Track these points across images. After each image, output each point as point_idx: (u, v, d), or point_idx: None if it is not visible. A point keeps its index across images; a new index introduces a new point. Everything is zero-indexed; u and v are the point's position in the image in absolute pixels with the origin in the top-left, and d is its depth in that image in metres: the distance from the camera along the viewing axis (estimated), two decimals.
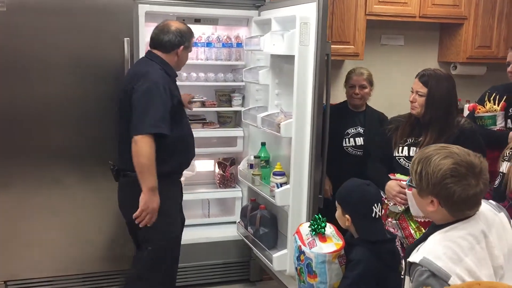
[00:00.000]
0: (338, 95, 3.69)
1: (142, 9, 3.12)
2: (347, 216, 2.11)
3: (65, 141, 3.06)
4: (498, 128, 2.91)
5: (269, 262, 2.98)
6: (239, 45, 3.55)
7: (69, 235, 3.15)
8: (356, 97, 3.25)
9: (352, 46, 3.65)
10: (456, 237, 1.54)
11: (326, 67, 2.68)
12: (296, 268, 2.25)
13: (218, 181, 3.76)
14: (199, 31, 3.57)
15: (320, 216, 2.20)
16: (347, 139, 3.25)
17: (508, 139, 2.75)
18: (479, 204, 1.60)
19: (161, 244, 2.64)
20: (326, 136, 2.72)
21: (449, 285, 1.44)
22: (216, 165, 3.79)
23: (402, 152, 2.59)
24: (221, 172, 3.73)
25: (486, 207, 1.65)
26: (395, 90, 4.06)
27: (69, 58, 2.99)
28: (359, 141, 3.24)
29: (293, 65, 2.81)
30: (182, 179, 3.50)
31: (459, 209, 1.57)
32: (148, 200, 2.47)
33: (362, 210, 2.09)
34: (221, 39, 3.53)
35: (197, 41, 3.50)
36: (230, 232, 3.56)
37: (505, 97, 2.92)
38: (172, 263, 2.78)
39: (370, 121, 3.27)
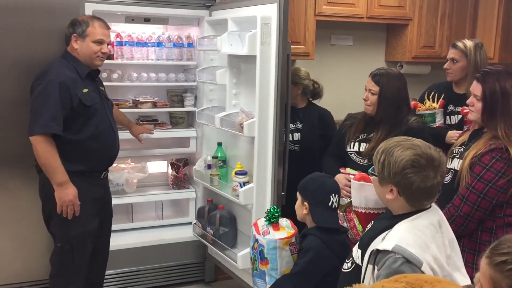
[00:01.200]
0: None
1: (89, 8, 3.04)
2: (305, 203, 2.18)
3: (9, 143, 2.94)
4: (437, 125, 3.05)
5: (232, 261, 3.00)
6: (190, 45, 3.53)
7: (15, 242, 3.04)
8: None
9: (303, 46, 3.71)
10: (421, 226, 1.62)
11: (287, 66, 2.71)
12: (251, 258, 2.31)
13: (171, 182, 3.72)
14: (149, 31, 3.52)
15: (275, 207, 2.28)
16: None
17: (445, 138, 2.89)
18: (435, 195, 1.70)
19: (66, 241, 2.67)
20: (287, 135, 2.77)
21: (422, 271, 1.50)
22: (169, 166, 3.75)
23: (353, 148, 2.68)
24: (174, 173, 3.69)
25: (433, 204, 1.74)
26: (345, 89, 4.16)
27: (13, 60, 2.89)
28: (297, 136, 3.30)
29: (251, 64, 2.83)
30: (134, 180, 3.47)
31: (417, 198, 1.66)
32: (61, 195, 2.55)
33: (320, 197, 2.16)
34: (172, 39, 3.50)
35: (147, 40, 3.45)
36: (185, 233, 3.53)
37: (443, 95, 3.05)
38: (80, 261, 2.74)
39: (308, 117, 3.33)
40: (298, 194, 2.24)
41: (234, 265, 2.99)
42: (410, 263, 1.51)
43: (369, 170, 1.84)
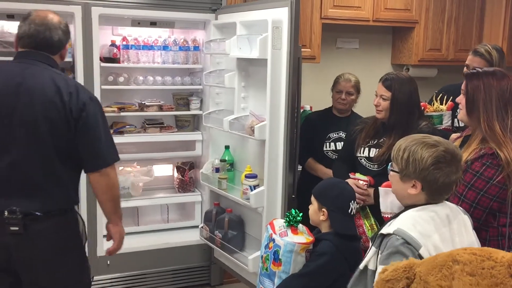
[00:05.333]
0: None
1: (96, 11, 3.05)
2: (323, 210, 2.17)
3: None
4: (443, 127, 3.01)
5: (242, 264, 3.00)
6: (196, 48, 3.53)
7: None
8: (342, 103, 3.24)
9: (309, 49, 3.70)
10: (426, 216, 1.69)
11: (298, 70, 2.71)
12: (261, 257, 2.29)
13: (177, 186, 3.72)
14: (155, 34, 3.52)
15: (297, 211, 2.25)
16: (327, 143, 3.26)
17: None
18: (452, 190, 1.78)
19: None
20: (297, 138, 2.78)
21: (419, 254, 1.58)
22: (175, 169, 3.75)
23: (363, 153, 2.67)
24: (180, 177, 3.69)
25: (454, 205, 1.81)
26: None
27: None
28: (340, 145, 3.22)
29: (260, 68, 2.84)
30: (140, 184, 3.47)
31: (439, 193, 1.73)
32: (121, 230, 2.28)
33: (340, 204, 2.17)
34: (178, 42, 3.50)
35: (153, 44, 3.46)
36: (191, 236, 3.53)
37: (451, 97, 3.02)
38: None
39: (353, 127, 3.28)
40: (313, 199, 2.23)
41: (244, 268, 2.99)
42: (410, 245, 1.60)
43: (388, 167, 1.89)
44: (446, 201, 1.78)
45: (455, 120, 3.06)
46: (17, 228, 1.97)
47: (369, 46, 4.31)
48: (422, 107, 3.01)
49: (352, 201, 2.20)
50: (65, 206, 2.11)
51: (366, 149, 2.66)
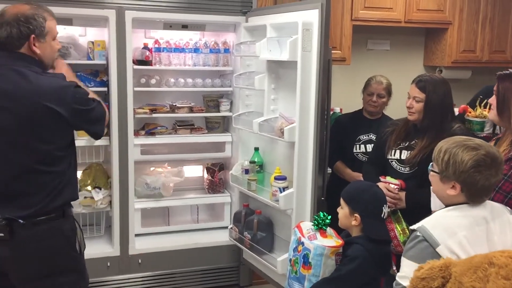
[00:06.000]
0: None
1: (129, 15, 3.12)
2: (355, 215, 2.15)
3: None
4: (484, 134, 2.91)
5: (270, 266, 3.00)
6: (226, 50, 3.57)
7: None
8: (373, 105, 3.23)
9: (339, 51, 3.69)
10: (456, 214, 1.73)
11: (328, 72, 2.71)
12: (290, 260, 2.28)
13: (206, 187, 3.76)
14: (187, 37, 3.57)
15: (325, 213, 2.24)
16: (357, 145, 3.25)
17: None
18: (491, 192, 1.81)
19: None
20: (327, 140, 2.77)
21: (437, 252, 1.63)
22: (205, 170, 3.79)
23: (394, 155, 2.64)
24: (210, 178, 3.73)
25: (500, 205, 1.83)
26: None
27: None
28: (370, 148, 3.21)
29: (290, 70, 2.85)
30: (171, 184, 3.53)
31: (479, 195, 1.75)
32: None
33: (373, 209, 2.15)
34: (208, 45, 3.54)
35: (184, 47, 3.50)
36: (220, 237, 3.56)
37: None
38: None
39: (383, 129, 3.25)
40: (344, 203, 2.21)
41: (273, 270, 2.99)
42: (427, 242, 1.65)
43: (428, 167, 1.90)
44: (489, 201, 1.80)
45: (497, 127, 2.97)
46: (2, 235, 1.94)
47: (400, 48, 4.26)
48: (463, 110, 2.94)
49: (384, 206, 2.18)
50: (52, 213, 2.01)
51: (397, 151, 2.63)
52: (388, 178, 2.58)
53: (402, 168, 2.60)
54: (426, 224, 1.71)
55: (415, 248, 1.68)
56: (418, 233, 1.70)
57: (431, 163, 1.88)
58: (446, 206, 1.82)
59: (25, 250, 1.98)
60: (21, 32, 1.94)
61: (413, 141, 2.58)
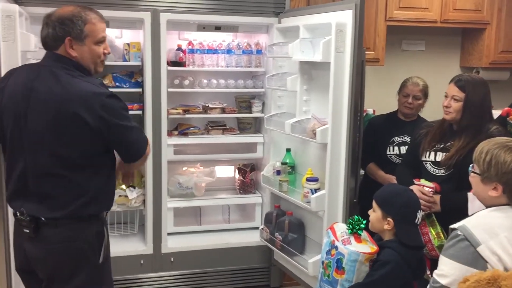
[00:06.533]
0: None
1: (164, 17, 3.17)
2: (389, 219, 2.12)
3: None
4: None
5: (302, 267, 3.00)
6: (259, 51, 3.58)
7: None
8: (408, 107, 3.18)
9: (373, 52, 3.65)
10: (497, 215, 1.72)
11: (362, 73, 2.69)
12: (322, 262, 2.26)
13: (238, 187, 3.78)
14: (220, 39, 3.61)
15: (360, 217, 2.21)
16: (391, 147, 3.20)
17: None
18: None
19: None
20: (360, 142, 2.75)
21: (478, 252, 1.62)
22: (236, 171, 3.81)
23: (429, 157, 2.60)
24: (241, 178, 3.75)
25: None
26: None
27: None
28: (404, 150, 3.15)
29: (323, 71, 2.84)
30: (203, 184, 3.56)
31: None
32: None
33: (407, 214, 2.12)
34: (241, 46, 3.56)
35: (217, 48, 3.53)
36: (251, 237, 3.57)
37: None
38: None
39: (417, 131, 3.11)
40: (376, 206, 2.17)
41: (304, 272, 2.98)
42: (468, 242, 1.64)
43: (469, 169, 1.88)
44: None
45: None
46: (28, 231, 1.96)
47: (436, 48, 4.18)
48: (507, 113, 2.86)
49: (419, 211, 2.14)
50: (76, 215, 1.97)
51: (432, 153, 2.59)
52: (423, 181, 2.54)
53: (437, 170, 2.55)
54: (467, 223, 1.70)
55: (455, 247, 1.67)
56: (459, 232, 1.68)
57: (471, 165, 1.85)
58: (487, 207, 1.80)
59: (47, 249, 1.97)
60: (57, 33, 1.94)
61: (449, 143, 2.54)
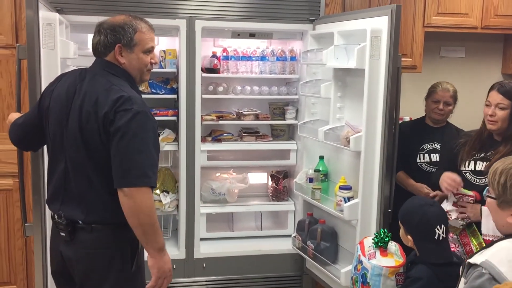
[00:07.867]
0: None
1: (199, 24, 3.21)
2: (409, 236, 2.07)
3: None
4: None
5: (334, 277, 2.96)
6: (293, 58, 3.57)
7: None
8: (439, 113, 3.11)
9: (410, 59, 3.58)
10: None
11: (397, 80, 2.64)
12: (351, 277, 2.24)
13: (270, 194, 3.77)
14: (254, 45, 3.62)
15: (385, 230, 2.17)
16: (421, 155, 3.14)
17: None
18: None
19: None
20: (395, 150, 2.70)
21: None
22: (269, 177, 3.80)
23: (468, 166, 2.54)
24: (274, 185, 3.74)
25: None
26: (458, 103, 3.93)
27: None
28: (435, 157, 3.10)
29: (357, 78, 2.81)
30: (236, 190, 3.57)
31: None
32: (160, 264, 1.96)
33: (423, 231, 2.05)
34: (275, 53, 3.56)
35: (251, 55, 3.55)
36: (283, 245, 3.54)
37: None
38: None
39: (448, 138, 3.05)
40: (400, 223, 2.13)
41: (336, 281, 2.94)
42: (496, 281, 1.44)
43: (484, 193, 1.74)
44: None
45: None
46: (64, 235, 1.98)
47: (476, 55, 4.07)
48: None
49: (439, 226, 2.03)
50: (111, 221, 1.95)
51: (472, 162, 2.52)
52: (462, 190, 2.47)
53: (477, 179, 2.48)
54: (491, 258, 1.50)
55: None
56: (484, 270, 1.48)
57: (486, 188, 1.69)
58: (505, 235, 1.61)
59: (80, 254, 1.98)
60: (108, 40, 1.99)
61: (489, 152, 2.46)
